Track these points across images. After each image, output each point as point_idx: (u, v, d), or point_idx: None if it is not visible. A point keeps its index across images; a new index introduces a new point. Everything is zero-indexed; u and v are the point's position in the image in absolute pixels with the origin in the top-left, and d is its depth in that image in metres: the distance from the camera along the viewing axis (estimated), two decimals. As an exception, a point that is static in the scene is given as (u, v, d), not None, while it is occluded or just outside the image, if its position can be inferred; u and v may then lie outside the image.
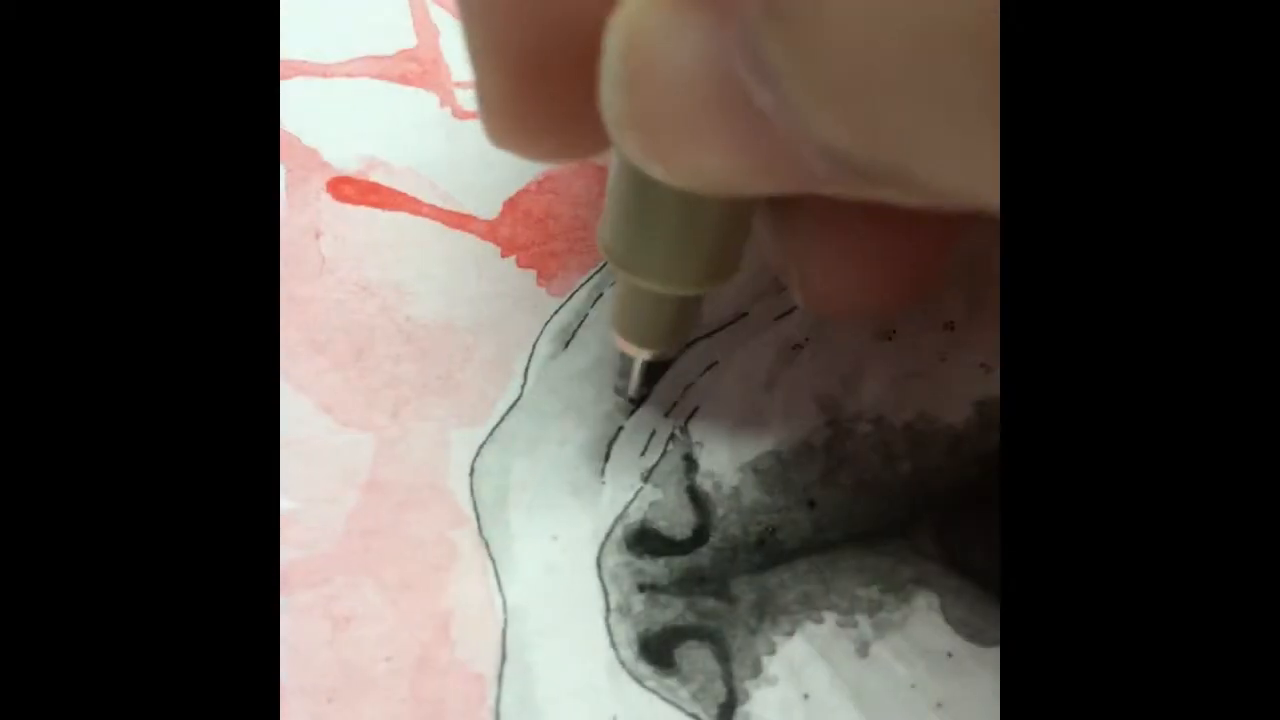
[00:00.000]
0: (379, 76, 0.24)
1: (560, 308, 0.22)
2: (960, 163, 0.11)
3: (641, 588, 0.20)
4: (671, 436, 0.21)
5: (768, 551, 0.20)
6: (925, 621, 0.20)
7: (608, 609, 0.20)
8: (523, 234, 0.23)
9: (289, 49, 0.24)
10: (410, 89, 0.24)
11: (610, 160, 0.16)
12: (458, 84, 0.24)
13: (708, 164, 0.13)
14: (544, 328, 0.22)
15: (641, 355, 0.20)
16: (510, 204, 0.23)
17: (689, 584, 0.20)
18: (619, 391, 0.21)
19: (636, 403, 0.21)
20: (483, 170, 0.23)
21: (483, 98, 0.16)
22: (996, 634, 0.19)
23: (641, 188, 0.16)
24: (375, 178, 0.23)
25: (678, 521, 0.20)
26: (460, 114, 0.23)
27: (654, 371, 0.21)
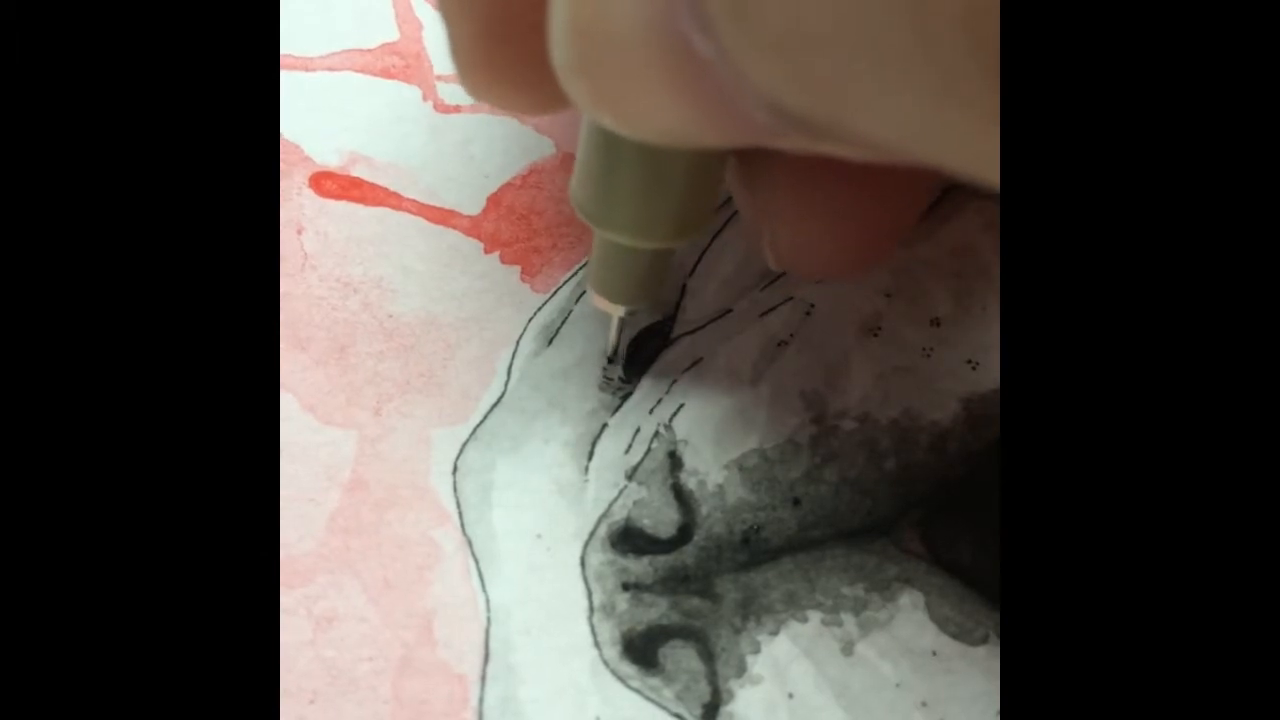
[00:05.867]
0: (361, 70, 0.24)
1: (544, 304, 0.22)
2: (893, 115, 0.11)
3: (625, 587, 0.20)
4: (656, 434, 0.21)
5: (752, 550, 0.20)
6: (910, 620, 0.19)
7: (591, 608, 0.20)
8: (506, 230, 0.22)
9: (270, 42, 0.24)
10: (393, 83, 0.23)
11: (581, 118, 0.16)
12: (440, 78, 0.23)
13: (654, 113, 0.13)
14: (527, 325, 0.22)
15: (617, 311, 0.20)
16: (494, 200, 0.23)
17: (673, 583, 0.20)
18: (603, 388, 0.21)
19: (622, 394, 0.21)
20: (466, 165, 0.23)
21: (454, 50, 0.16)
22: (982, 633, 0.19)
23: (606, 140, 0.16)
24: (357, 173, 0.23)
25: (662, 520, 0.20)
26: (443, 108, 0.23)
27: (638, 363, 0.21)
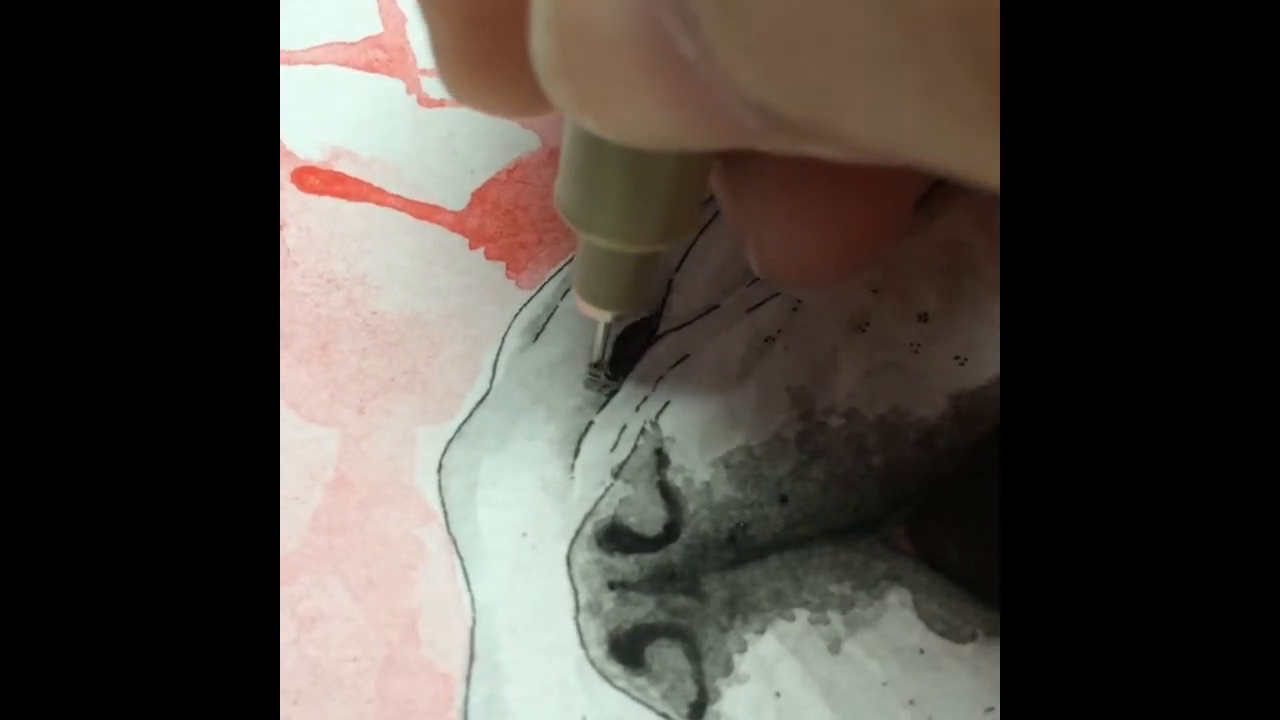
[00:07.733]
0: (344, 64, 0.23)
1: (529, 300, 0.22)
2: (880, 116, 0.11)
3: (611, 585, 0.20)
4: (642, 431, 0.21)
5: (739, 548, 0.20)
6: (897, 618, 0.19)
7: (577, 607, 0.19)
8: (491, 225, 0.22)
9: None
10: (376, 77, 0.23)
11: (564, 120, 0.16)
12: (424, 72, 0.23)
13: (637, 116, 0.13)
14: (513, 321, 0.21)
15: (603, 317, 0.19)
16: (479, 195, 0.22)
17: (659, 581, 0.20)
18: (588, 385, 0.21)
19: (608, 391, 0.21)
20: (450, 160, 0.23)
21: (435, 50, 0.16)
22: (969, 630, 0.19)
23: (590, 143, 0.16)
24: (340, 168, 0.22)
25: (648, 518, 0.20)
26: (427, 102, 0.23)
27: (624, 360, 0.21)
